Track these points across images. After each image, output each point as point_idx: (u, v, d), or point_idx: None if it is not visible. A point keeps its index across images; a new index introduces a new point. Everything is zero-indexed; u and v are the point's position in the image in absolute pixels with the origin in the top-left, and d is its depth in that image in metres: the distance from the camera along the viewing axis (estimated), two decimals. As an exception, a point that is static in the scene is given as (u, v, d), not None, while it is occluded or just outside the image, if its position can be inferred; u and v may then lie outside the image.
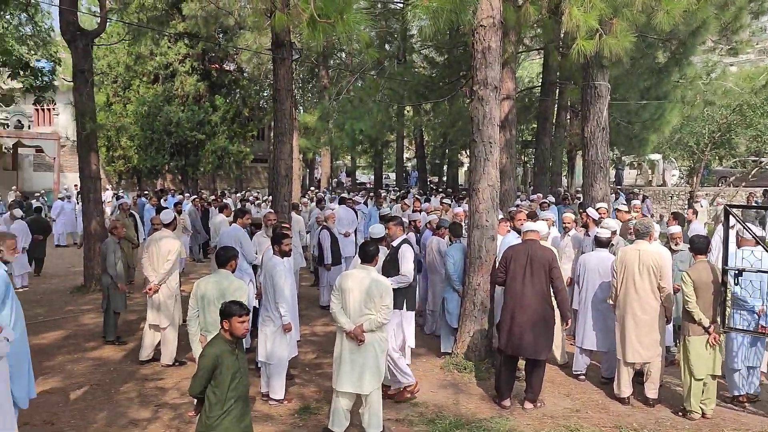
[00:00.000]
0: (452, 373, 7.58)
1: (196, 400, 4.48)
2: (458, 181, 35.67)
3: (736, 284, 6.01)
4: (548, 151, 19.42)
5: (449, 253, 8.26)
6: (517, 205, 13.13)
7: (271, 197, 11.62)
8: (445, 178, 38.53)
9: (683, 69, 14.69)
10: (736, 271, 5.98)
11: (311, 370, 7.78)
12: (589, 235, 8.36)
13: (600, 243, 7.28)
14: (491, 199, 7.79)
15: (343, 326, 5.60)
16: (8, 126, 26.16)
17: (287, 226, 9.02)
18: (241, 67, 32.16)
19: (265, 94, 34.73)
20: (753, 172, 21.45)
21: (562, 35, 14.19)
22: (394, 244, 7.07)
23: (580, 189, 19.00)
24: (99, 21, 12.80)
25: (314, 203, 17.01)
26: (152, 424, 6.01)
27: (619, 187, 27.20)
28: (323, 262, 11.19)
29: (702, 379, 6.28)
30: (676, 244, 7.78)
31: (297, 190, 29.44)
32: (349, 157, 46.32)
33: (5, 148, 26.93)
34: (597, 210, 9.90)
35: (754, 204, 19.18)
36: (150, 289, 7.74)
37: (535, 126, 23.60)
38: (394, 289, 6.17)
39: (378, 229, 7.31)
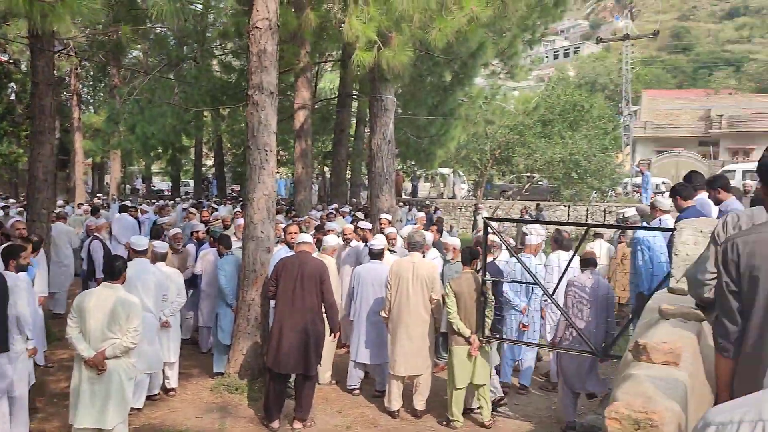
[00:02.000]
0: (222, 395, 7.07)
1: None
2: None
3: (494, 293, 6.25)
4: (344, 163, 19.61)
5: (220, 266, 7.76)
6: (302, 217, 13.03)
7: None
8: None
9: (465, 88, 15.57)
10: (495, 281, 6.21)
11: (59, 400, 6.82)
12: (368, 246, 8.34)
13: (373, 254, 7.24)
14: (267, 209, 7.44)
15: (81, 353, 4.90)
16: None
17: (29, 238, 7.90)
18: (15, 59, 28.75)
19: (45, 90, 31.34)
20: (527, 187, 23.57)
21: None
22: None
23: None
24: None
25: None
26: None
27: (414, 198, 28.41)
28: (94, 276, 10.08)
29: (462, 388, 6.41)
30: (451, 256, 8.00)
31: (81, 196, 26.91)
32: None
33: None
34: (380, 221, 10.01)
35: (527, 216, 21.01)
36: None
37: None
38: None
39: (141, 241, 6.64)
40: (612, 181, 23.68)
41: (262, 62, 7.30)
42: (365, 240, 8.58)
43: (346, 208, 16.26)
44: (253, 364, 7.40)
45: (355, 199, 21.22)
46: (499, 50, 17.43)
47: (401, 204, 20.83)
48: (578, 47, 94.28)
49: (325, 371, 7.56)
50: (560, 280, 6.08)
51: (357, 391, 7.33)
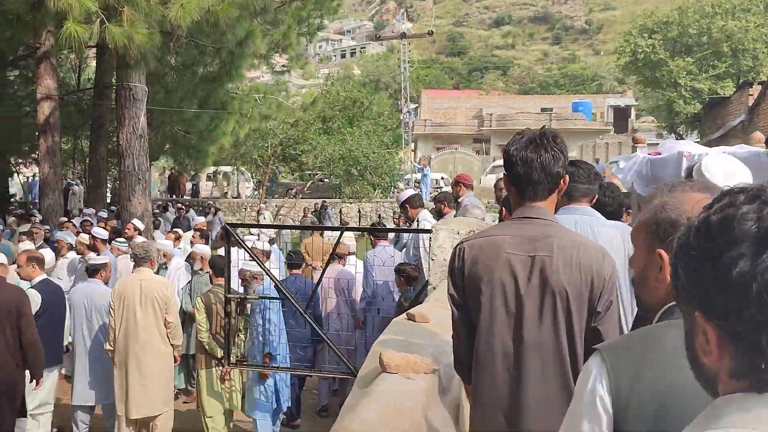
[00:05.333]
0: None
1: None
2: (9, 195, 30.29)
3: (238, 312, 5.30)
4: (104, 161, 17.43)
5: None
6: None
7: None
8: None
9: (233, 79, 14.46)
10: (239, 299, 5.28)
11: None
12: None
13: (89, 271, 5.88)
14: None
15: None
16: None
17: None
18: None
19: None
20: (309, 185, 23.03)
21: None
22: None
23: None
24: None
25: None
26: None
27: (195, 199, 26.57)
28: None
29: (212, 417, 5.56)
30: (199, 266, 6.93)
31: None
32: None
33: None
34: (126, 227, 8.65)
35: (311, 215, 20.44)
36: None
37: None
38: None
39: None
40: (392, 178, 23.97)
41: (-68, 31, 5.62)
42: (96, 251, 7.16)
43: (104, 214, 14.37)
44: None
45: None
46: (273, 42, 16.54)
47: (159, 206, 19.07)
48: (364, 47, 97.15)
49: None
50: (314, 291, 5.32)
51: (81, 441, 5.98)
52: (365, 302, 6.58)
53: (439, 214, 6.72)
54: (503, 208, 5.77)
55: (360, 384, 2.08)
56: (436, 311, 2.79)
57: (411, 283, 5.83)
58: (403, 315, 2.74)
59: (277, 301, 5.35)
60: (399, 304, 5.55)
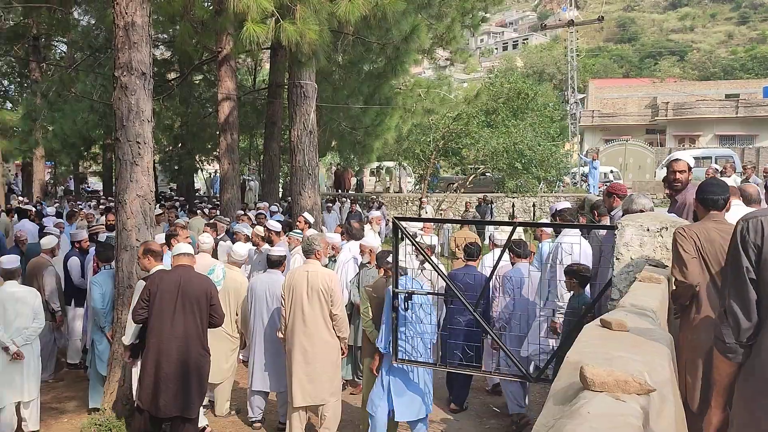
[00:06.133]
0: (91, 438, 5.90)
1: None
2: (194, 189, 33.10)
3: (406, 309, 5.18)
4: (277, 158, 18.37)
5: (96, 282, 6.54)
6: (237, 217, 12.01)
7: None
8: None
9: (398, 75, 14.53)
10: (406, 294, 5.16)
11: None
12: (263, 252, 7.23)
13: (270, 262, 6.08)
14: (143, 212, 6.26)
15: None
16: None
17: None
18: None
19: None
20: (470, 179, 22.64)
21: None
22: None
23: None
24: None
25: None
26: None
27: (359, 194, 27.33)
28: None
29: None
30: (367, 260, 6.97)
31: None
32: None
33: None
34: (297, 220, 8.95)
35: (473, 210, 20.11)
36: None
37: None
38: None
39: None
40: (558, 171, 22.93)
41: (130, 37, 6.09)
42: (271, 243, 7.45)
43: (275, 207, 15.13)
44: (132, 398, 6.23)
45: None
46: (436, 35, 16.47)
47: (330, 200, 19.74)
48: (527, 38, 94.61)
49: (223, 401, 6.47)
50: (484, 288, 5.08)
51: (258, 424, 6.23)
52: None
53: (593, 222, 6.29)
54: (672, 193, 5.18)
55: (556, 400, 1.82)
56: (634, 318, 2.44)
57: (585, 285, 5.41)
58: (596, 321, 2.43)
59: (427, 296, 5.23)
60: (575, 308, 5.15)
